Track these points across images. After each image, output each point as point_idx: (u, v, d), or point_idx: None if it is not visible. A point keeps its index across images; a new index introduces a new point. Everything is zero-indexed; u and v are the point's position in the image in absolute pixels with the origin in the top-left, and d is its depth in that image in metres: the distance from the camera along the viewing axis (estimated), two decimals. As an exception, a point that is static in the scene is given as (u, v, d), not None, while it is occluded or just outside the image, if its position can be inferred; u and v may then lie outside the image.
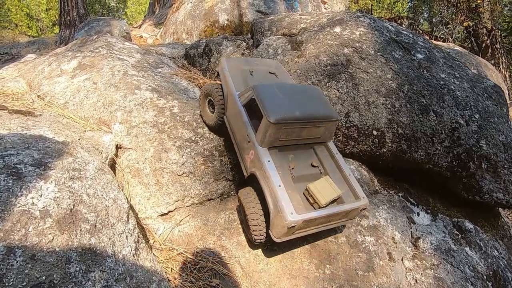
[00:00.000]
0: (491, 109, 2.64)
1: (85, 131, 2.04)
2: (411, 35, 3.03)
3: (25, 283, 0.87)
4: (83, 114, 2.31)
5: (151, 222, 1.98)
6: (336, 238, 1.92)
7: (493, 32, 10.75)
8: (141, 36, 11.14)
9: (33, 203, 1.04)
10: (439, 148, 2.48)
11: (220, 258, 1.78)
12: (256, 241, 1.65)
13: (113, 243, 1.23)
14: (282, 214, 1.42)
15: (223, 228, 1.96)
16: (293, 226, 1.42)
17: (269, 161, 1.57)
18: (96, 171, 1.45)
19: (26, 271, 0.89)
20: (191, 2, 9.91)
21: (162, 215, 2.01)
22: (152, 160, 2.08)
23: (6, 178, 1.07)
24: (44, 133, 1.61)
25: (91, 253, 1.07)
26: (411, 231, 2.17)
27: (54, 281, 0.93)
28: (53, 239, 0.98)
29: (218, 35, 9.37)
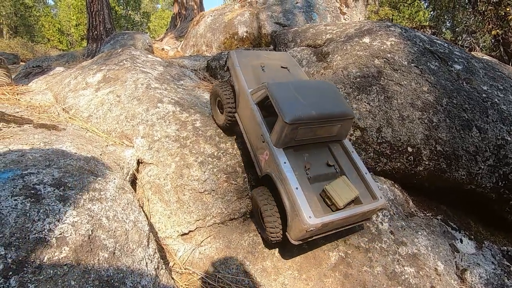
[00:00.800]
0: (541, 125, 2.38)
1: (107, 145, 2.00)
2: (445, 45, 2.83)
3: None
4: (106, 128, 2.28)
5: (171, 242, 1.88)
6: (372, 268, 1.73)
7: (523, 40, 10.20)
8: (163, 49, 11.46)
9: (50, 229, 0.97)
10: (483, 167, 2.25)
11: (243, 286, 1.64)
12: (273, 241, 1.64)
13: (132, 272, 1.13)
14: (300, 217, 1.38)
15: (246, 251, 1.82)
16: (311, 230, 1.39)
17: (285, 162, 1.53)
18: (117, 190, 1.37)
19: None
20: (211, 16, 10.12)
21: (182, 234, 1.91)
22: (174, 176, 2.00)
23: (23, 200, 1.00)
24: (67, 148, 1.56)
25: (108, 286, 0.97)
26: (456, 261, 1.94)
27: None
28: (68, 271, 0.89)
29: (238, 47, 9.45)
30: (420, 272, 1.76)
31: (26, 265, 0.84)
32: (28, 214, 0.96)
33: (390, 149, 2.32)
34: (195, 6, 15.81)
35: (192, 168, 2.03)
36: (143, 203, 1.98)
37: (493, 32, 12.39)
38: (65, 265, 0.91)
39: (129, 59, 3.02)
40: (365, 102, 2.38)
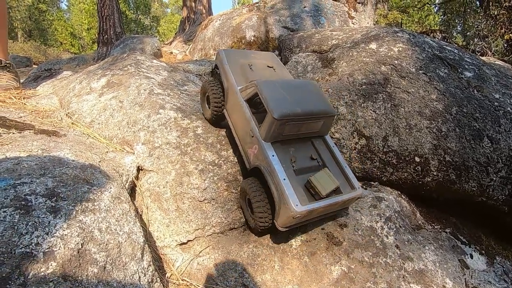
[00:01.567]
0: (558, 135, 2.27)
1: (107, 152, 1.98)
2: (456, 51, 2.75)
3: None
4: (107, 133, 2.27)
5: (169, 252, 1.84)
6: (376, 284, 1.66)
7: (537, 45, 9.94)
8: (171, 52, 11.58)
9: (38, 242, 0.94)
10: (494, 178, 2.15)
11: (241, 299, 1.59)
12: (261, 228, 1.71)
13: (123, 286, 1.09)
14: (288, 205, 1.48)
15: (245, 263, 1.77)
16: (298, 216, 1.49)
17: (273, 155, 1.63)
18: (112, 200, 1.34)
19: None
20: (219, 20, 10.19)
21: (181, 244, 1.87)
22: (173, 184, 1.97)
23: (12, 212, 0.98)
24: (65, 155, 1.55)
25: (96, 304, 0.93)
26: (465, 278, 1.85)
27: None
28: (54, 288, 0.86)
29: (245, 51, 9.40)
30: (427, 290, 1.68)
31: (10, 281, 0.81)
32: (16, 227, 0.94)
33: (397, 158, 2.25)
34: (204, 10, 15.97)
35: (192, 176, 2.00)
36: (142, 211, 1.95)
37: (505, 37, 12.09)
38: (51, 281, 0.88)
39: (133, 64, 3.02)
40: (371, 109, 2.31)
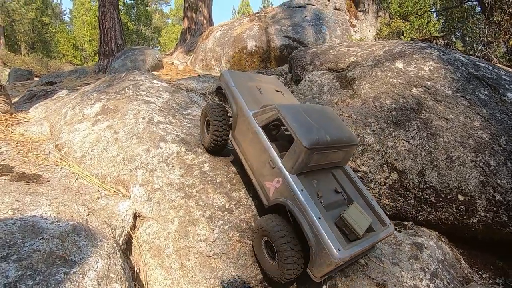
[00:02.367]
0: None
1: (98, 198, 1.68)
2: (490, 68, 2.45)
3: None
4: (100, 171, 1.97)
5: (171, 322, 1.52)
6: None
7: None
8: (173, 63, 11.39)
9: None
10: (553, 220, 1.83)
11: None
12: (288, 279, 1.45)
13: None
14: (329, 251, 1.27)
15: (266, 339, 1.44)
16: (341, 264, 1.27)
17: (302, 190, 1.42)
18: (99, 282, 1.03)
19: None
20: (220, 30, 10.01)
21: (186, 311, 1.55)
22: (176, 236, 1.65)
23: None
24: (42, 215, 1.25)
25: None
26: None
27: None
28: None
29: (247, 61, 9.25)
30: None
31: None
32: None
33: (436, 196, 1.93)
34: (205, 21, 15.89)
35: (199, 225, 1.68)
36: (139, 269, 1.64)
37: (510, 43, 11.86)
38: None
39: (131, 87, 2.75)
40: (403, 139, 2.00)
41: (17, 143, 2.30)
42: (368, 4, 11.62)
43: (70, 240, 1.15)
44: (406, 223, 2.07)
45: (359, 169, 2.08)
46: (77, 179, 1.85)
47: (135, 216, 1.76)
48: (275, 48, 9.15)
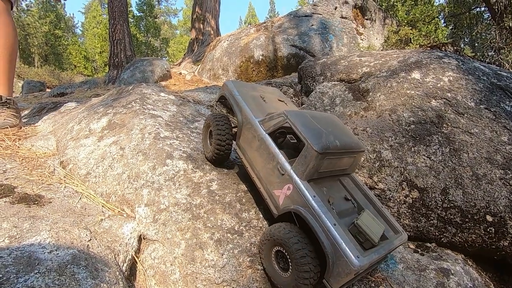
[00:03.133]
0: None
1: (101, 220, 1.60)
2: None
3: None
4: (104, 190, 1.90)
5: None
6: None
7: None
8: (180, 73, 11.49)
9: None
10: None
11: None
12: None
13: None
14: (347, 258, 1.20)
15: None
16: (360, 272, 1.22)
17: (315, 196, 1.37)
18: (97, 322, 0.93)
19: None
20: (227, 40, 10.06)
21: None
22: (183, 261, 1.55)
23: None
24: (40, 243, 1.17)
25: None
26: None
27: None
28: None
29: (254, 71, 9.23)
30: None
31: None
32: None
33: (461, 216, 1.79)
34: (212, 31, 16.07)
35: (207, 249, 1.58)
36: (143, 296, 1.54)
37: (522, 48, 11.54)
38: None
39: (138, 100, 2.70)
40: (424, 155, 1.88)
41: (23, 159, 2.26)
42: (375, 12, 11.55)
43: (68, 273, 1.06)
44: (428, 244, 1.93)
45: (376, 186, 1.96)
46: (80, 198, 1.78)
47: (140, 238, 1.67)
48: (282, 57, 9.14)
